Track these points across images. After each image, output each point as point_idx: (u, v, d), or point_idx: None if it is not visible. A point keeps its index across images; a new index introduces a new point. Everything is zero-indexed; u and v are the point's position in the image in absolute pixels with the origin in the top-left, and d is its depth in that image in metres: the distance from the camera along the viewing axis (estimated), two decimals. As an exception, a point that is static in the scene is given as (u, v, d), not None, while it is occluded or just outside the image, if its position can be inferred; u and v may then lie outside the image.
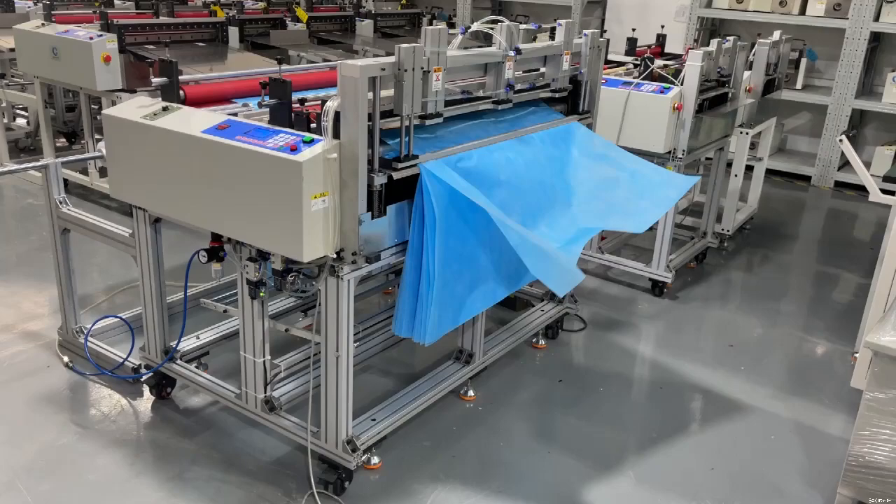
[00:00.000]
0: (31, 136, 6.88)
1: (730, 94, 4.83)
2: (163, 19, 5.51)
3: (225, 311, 3.11)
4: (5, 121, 6.93)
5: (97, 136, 5.32)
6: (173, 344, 3.22)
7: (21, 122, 7.28)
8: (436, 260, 2.60)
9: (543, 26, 3.78)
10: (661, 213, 3.49)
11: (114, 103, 4.47)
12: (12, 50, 5.60)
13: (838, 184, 7.30)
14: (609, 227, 3.34)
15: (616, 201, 3.27)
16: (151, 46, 4.97)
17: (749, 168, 5.49)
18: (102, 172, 5.31)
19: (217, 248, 2.78)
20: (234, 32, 5.43)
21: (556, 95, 3.39)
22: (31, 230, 5.17)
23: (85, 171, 5.60)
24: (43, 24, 5.22)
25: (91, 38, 4.73)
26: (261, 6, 6.89)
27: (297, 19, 6.14)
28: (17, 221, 5.41)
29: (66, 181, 5.37)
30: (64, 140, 6.78)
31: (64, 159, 3.43)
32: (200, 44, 5.33)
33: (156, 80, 2.82)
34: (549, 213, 3.12)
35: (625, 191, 3.30)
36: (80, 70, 4.81)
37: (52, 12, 5.58)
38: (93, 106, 5.45)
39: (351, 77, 2.31)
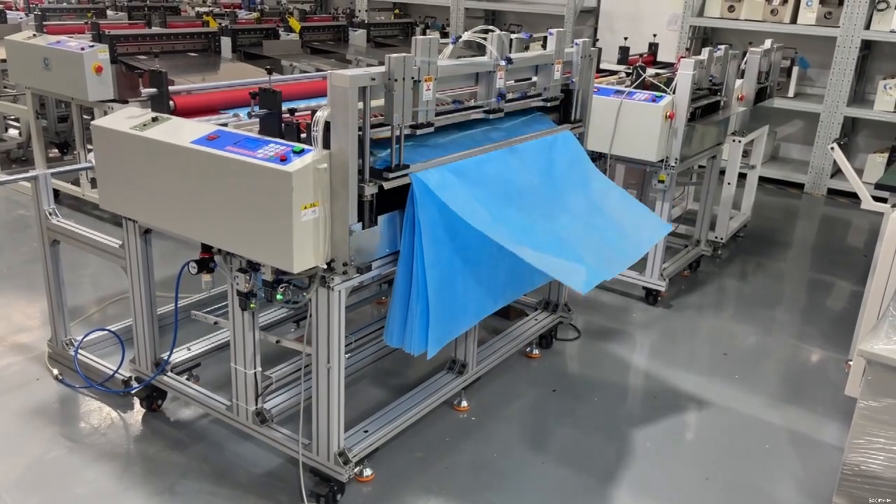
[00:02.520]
0: (22, 146, 6.85)
1: (722, 103, 4.83)
2: (155, 30, 5.50)
3: (215, 322, 3.09)
4: (-3, 131, 6.93)
5: (89, 147, 5.31)
6: (164, 356, 3.20)
7: (13, 132, 7.25)
8: (426, 270, 2.59)
9: (535, 35, 3.79)
10: (635, 258, 3.19)
11: (106, 114, 4.45)
12: (3, 61, 5.58)
13: (831, 191, 7.31)
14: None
15: (604, 238, 3.12)
16: (144, 57, 4.96)
17: (742, 176, 5.49)
18: (94, 183, 5.29)
19: (207, 260, 2.76)
20: (226, 42, 5.42)
21: (549, 105, 3.38)
22: (22, 241, 5.14)
23: (77, 182, 5.58)
24: (34, 35, 5.20)
25: (82, 49, 4.71)
26: (254, 16, 6.90)
27: (289, 29, 6.14)
28: (8, 233, 5.38)
29: (57, 192, 5.41)
30: (56, 151, 6.76)
31: (54, 170, 3.41)
32: (193, 54, 5.32)
33: (145, 91, 2.81)
34: (540, 221, 3.10)
35: (610, 225, 3.20)
36: (71, 81, 4.79)
37: (44, 23, 5.57)
38: (85, 116, 5.44)
39: (341, 87, 2.31)
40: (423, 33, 6.41)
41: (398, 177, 2.53)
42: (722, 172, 5.20)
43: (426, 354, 2.70)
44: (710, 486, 3.03)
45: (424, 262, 2.59)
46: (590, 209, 3.23)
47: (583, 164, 3.41)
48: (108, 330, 3.68)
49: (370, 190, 2.45)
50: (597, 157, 4.41)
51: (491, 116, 3.03)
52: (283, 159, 2.33)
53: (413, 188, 2.57)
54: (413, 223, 2.58)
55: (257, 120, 2.62)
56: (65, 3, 7.44)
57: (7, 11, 6.85)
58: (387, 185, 2.50)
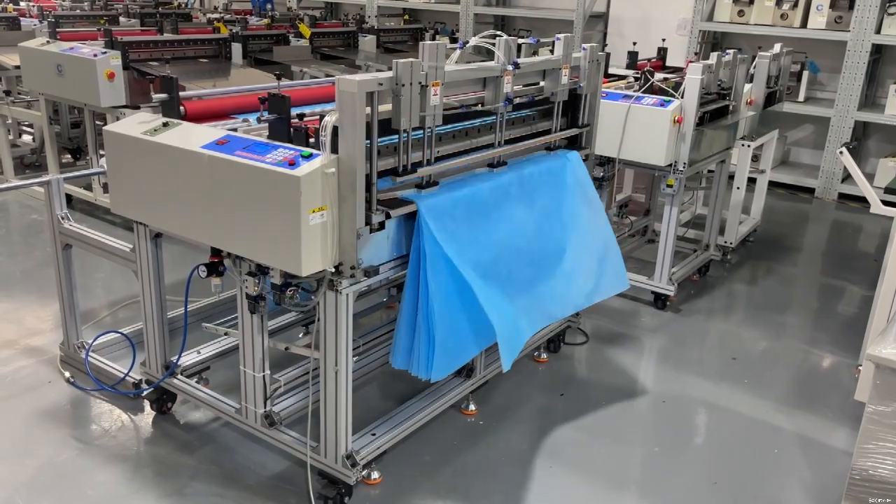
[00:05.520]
0: (36, 152, 6.93)
1: (731, 107, 4.83)
2: (167, 36, 5.55)
3: (226, 333, 3.11)
4: (11, 137, 6.99)
5: (101, 152, 5.36)
6: (174, 359, 3.23)
7: (27, 138, 7.33)
8: (431, 302, 2.60)
9: (543, 41, 3.80)
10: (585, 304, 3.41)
11: (118, 119, 4.49)
12: (18, 67, 5.64)
13: (842, 196, 7.28)
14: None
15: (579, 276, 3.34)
16: (155, 63, 5.01)
17: (752, 180, 5.48)
18: (106, 188, 5.34)
19: (216, 263, 2.78)
20: (237, 48, 5.47)
21: (555, 110, 3.39)
22: (35, 246, 5.19)
23: (89, 187, 5.64)
24: (48, 42, 5.26)
25: (95, 55, 4.77)
26: (264, 22, 6.95)
27: (300, 35, 6.19)
28: (21, 237, 5.44)
29: (70, 197, 5.47)
30: (69, 156, 6.83)
31: (66, 175, 3.46)
32: (204, 60, 5.36)
33: (157, 96, 2.84)
34: (538, 267, 3.16)
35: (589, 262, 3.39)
36: (84, 87, 4.84)
37: (57, 30, 5.63)
38: (97, 122, 5.49)
39: (349, 92, 2.33)
40: (433, 39, 6.44)
41: (405, 205, 2.58)
42: (731, 177, 5.19)
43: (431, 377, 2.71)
44: (717, 491, 3.02)
45: (429, 293, 2.59)
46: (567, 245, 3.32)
47: (581, 193, 3.43)
48: (119, 333, 3.71)
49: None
50: (605, 162, 4.42)
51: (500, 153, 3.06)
52: (292, 164, 2.35)
53: (420, 218, 2.59)
54: (419, 252, 2.60)
55: (266, 125, 2.64)
56: (78, 10, 7.52)
57: (21, 18, 6.93)
58: (393, 214, 2.54)
